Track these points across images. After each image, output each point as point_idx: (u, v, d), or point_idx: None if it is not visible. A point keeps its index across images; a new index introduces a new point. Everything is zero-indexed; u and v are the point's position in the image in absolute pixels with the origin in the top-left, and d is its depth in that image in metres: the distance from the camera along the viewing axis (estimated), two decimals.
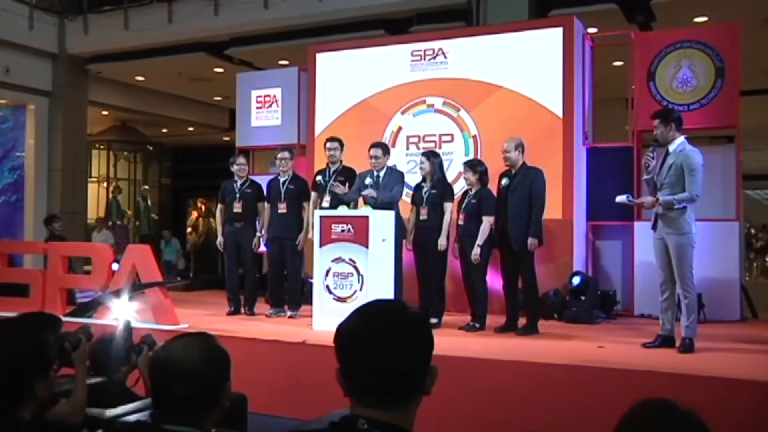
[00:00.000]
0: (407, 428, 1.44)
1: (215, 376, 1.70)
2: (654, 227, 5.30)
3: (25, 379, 1.88)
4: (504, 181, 6.11)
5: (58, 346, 2.32)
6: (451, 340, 5.63)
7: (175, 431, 1.63)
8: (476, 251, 6.04)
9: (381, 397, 1.42)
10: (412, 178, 7.19)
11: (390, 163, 6.77)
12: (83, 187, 12.18)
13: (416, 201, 6.50)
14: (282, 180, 7.06)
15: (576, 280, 6.98)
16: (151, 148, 16.02)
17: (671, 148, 5.23)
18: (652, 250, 5.39)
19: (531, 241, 5.88)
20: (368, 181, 6.54)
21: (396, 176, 6.57)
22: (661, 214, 5.21)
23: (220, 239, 7.30)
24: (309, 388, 4.84)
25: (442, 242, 6.23)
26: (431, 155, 6.47)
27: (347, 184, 6.65)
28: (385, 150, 6.68)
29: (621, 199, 5.48)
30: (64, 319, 5.87)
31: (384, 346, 1.43)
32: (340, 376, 1.46)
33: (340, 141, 6.95)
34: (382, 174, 6.55)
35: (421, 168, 6.43)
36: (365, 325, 1.48)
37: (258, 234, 7.17)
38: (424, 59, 8.07)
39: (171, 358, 1.69)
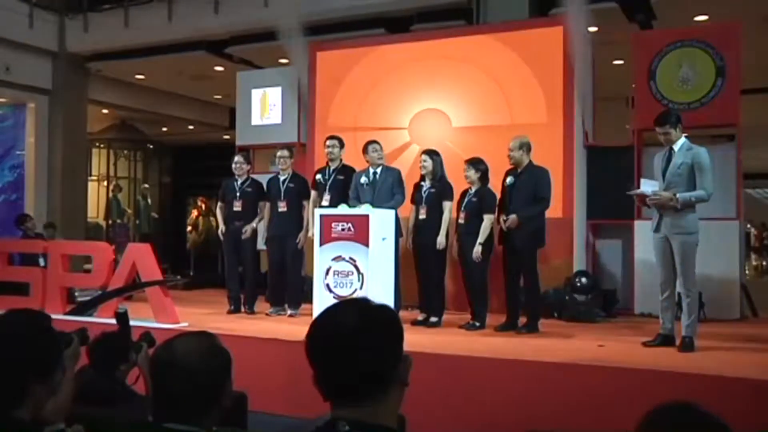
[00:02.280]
0: (388, 424, 1.44)
1: (215, 375, 1.70)
2: (657, 229, 5.26)
3: (22, 381, 1.85)
4: (509, 179, 6.10)
5: None
6: (451, 339, 5.64)
7: (176, 430, 1.63)
8: (477, 249, 6.04)
9: (357, 396, 1.42)
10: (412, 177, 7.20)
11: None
12: (83, 185, 12.16)
13: (415, 200, 6.49)
14: (282, 178, 7.06)
15: (580, 281, 6.97)
16: (151, 146, 15.99)
17: (675, 147, 5.22)
18: (652, 249, 5.38)
19: (512, 218, 5.88)
20: (363, 180, 6.54)
21: (393, 176, 6.55)
22: (668, 213, 5.17)
23: (222, 228, 7.28)
24: (309, 386, 4.82)
25: (440, 241, 6.23)
26: (433, 153, 6.46)
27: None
28: (381, 146, 6.67)
29: (646, 189, 5.33)
30: (64, 318, 5.90)
31: (348, 343, 1.43)
32: (315, 382, 1.46)
33: (339, 139, 6.94)
34: (379, 171, 6.54)
35: (423, 167, 6.42)
36: (327, 326, 1.48)
37: (253, 224, 7.15)
38: (424, 58, 8.08)
39: (172, 357, 1.69)
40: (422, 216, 6.36)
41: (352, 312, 1.49)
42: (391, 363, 1.46)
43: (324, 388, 1.46)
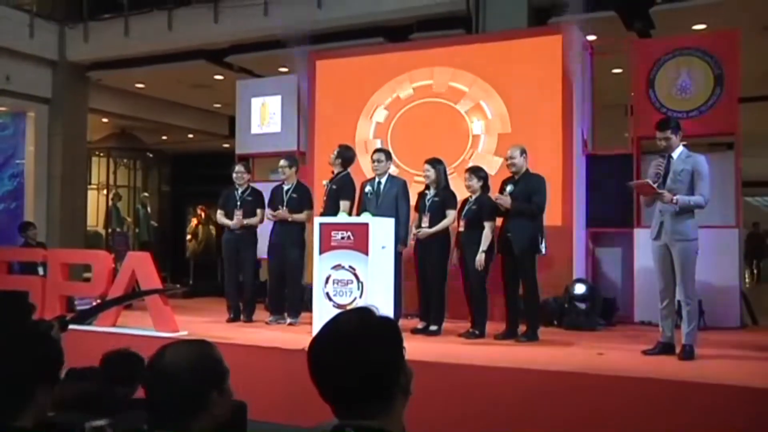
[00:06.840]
0: (394, 431, 1.46)
1: (200, 382, 1.70)
2: (657, 237, 5.27)
3: (24, 386, 1.83)
4: (509, 187, 6.11)
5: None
6: (451, 348, 5.63)
7: None
8: (480, 258, 6.04)
9: (359, 405, 1.45)
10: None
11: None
12: (83, 194, 12.16)
13: (419, 209, 6.49)
14: (286, 188, 7.06)
15: (580, 289, 6.96)
16: (150, 155, 16.00)
17: (674, 154, 5.24)
18: (652, 257, 5.38)
19: (506, 198, 5.92)
20: (368, 189, 6.56)
21: (398, 186, 6.55)
22: (668, 219, 5.18)
23: (230, 223, 7.19)
24: (308, 395, 4.81)
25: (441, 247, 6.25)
26: (436, 162, 6.46)
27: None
28: (388, 155, 6.68)
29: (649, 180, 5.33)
30: None
31: (347, 349, 1.46)
32: (321, 395, 1.48)
33: (339, 149, 6.92)
34: (383, 181, 6.55)
35: (426, 176, 6.42)
36: (328, 333, 1.51)
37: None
38: (424, 66, 8.11)
39: (160, 364, 1.72)
40: (425, 225, 6.36)
41: (353, 320, 1.52)
42: (391, 372, 1.48)
43: (329, 401, 1.47)
